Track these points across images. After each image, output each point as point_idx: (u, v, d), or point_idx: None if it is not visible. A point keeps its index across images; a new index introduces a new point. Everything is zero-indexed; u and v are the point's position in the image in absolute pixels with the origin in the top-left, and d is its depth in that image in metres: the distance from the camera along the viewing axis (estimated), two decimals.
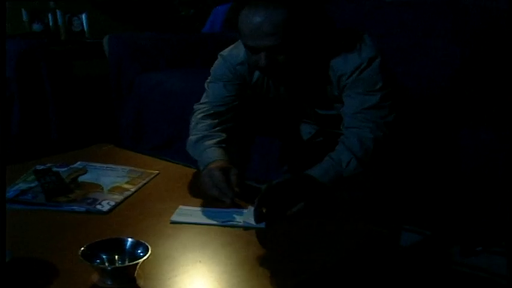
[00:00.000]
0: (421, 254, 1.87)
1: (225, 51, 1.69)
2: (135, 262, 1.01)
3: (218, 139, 1.53)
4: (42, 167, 1.61)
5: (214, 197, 1.38)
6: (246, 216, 1.29)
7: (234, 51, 1.64)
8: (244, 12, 1.40)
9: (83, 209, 1.33)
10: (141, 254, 1.03)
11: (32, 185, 1.46)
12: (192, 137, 1.55)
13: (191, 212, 1.33)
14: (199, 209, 1.35)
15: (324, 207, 1.36)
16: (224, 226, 1.27)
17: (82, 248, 1.02)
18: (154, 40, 3.25)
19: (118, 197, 1.40)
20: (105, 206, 1.35)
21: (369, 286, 1.25)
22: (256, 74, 1.65)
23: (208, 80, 1.69)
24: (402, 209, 1.97)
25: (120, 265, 1.03)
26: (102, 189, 1.46)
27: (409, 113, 1.85)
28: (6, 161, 1.82)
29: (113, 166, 1.62)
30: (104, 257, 1.04)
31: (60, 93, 2.71)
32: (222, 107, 1.63)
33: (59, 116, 2.66)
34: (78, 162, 1.65)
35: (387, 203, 1.86)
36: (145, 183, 1.52)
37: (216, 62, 1.70)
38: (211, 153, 1.48)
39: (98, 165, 1.63)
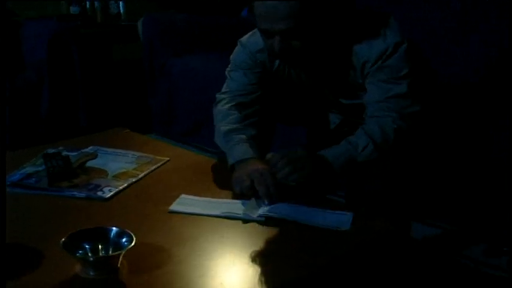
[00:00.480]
0: (439, 249, 1.77)
1: (244, 38, 1.64)
2: (117, 253, 0.98)
3: (250, 134, 1.48)
4: (53, 150, 1.59)
5: (248, 192, 1.31)
6: (247, 208, 1.24)
7: (253, 38, 1.59)
8: None
9: (83, 195, 1.31)
10: (126, 244, 1.00)
11: (40, 168, 1.45)
12: (221, 128, 1.50)
13: (192, 201, 1.28)
14: (200, 198, 1.30)
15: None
16: (223, 218, 1.22)
17: (63, 239, 0.99)
18: (189, 22, 3.21)
19: (122, 184, 1.38)
20: (106, 193, 1.32)
21: (373, 283, 1.18)
22: (277, 61, 1.60)
23: (228, 69, 1.64)
24: (426, 202, 1.88)
25: (102, 255, 1.00)
26: (107, 175, 1.43)
27: (438, 101, 1.76)
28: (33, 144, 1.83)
29: (124, 151, 1.60)
30: (87, 246, 1.01)
31: (91, 77, 2.70)
32: (245, 97, 1.58)
33: (89, 102, 2.66)
34: (90, 147, 1.63)
35: (408, 195, 1.77)
36: (153, 170, 1.49)
37: (236, 49, 1.65)
38: (246, 149, 1.43)
39: (109, 150, 1.61)
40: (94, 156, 1.56)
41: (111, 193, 1.33)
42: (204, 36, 3.20)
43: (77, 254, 0.99)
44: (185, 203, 1.28)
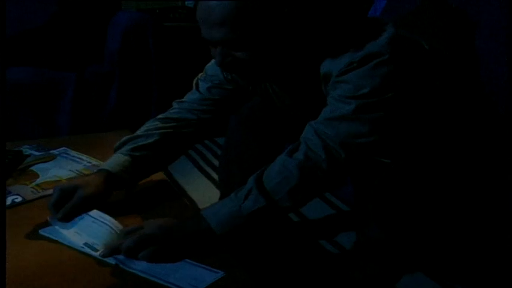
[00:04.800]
0: None
1: None
2: None
3: (141, 143, 1.30)
4: (27, 147, 1.57)
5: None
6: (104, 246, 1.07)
7: None
8: None
9: None
10: None
11: None
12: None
13: (69, 225, 1.14)
14: (80, 220, 1.15)
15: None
16: (81, 251, 1.07)
17: None
18: None
19: (32, 195, 1.30)
20: (7, 202, 1.24)
21: None
22: None
23: (199, 76, 1.45)
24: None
25: None
26: (35, 181, 1.36)
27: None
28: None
29: (84, 158, 1.51)
30: None
31: (169, 71, 2.66)
32: (195, 113, 1.39)
33: (163, 96, 2.61)
34: (62, 148, 1.58)
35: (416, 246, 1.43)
36: None
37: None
38: (111, 160, 1.28)
39: (73, 154, 1.54)
40: (51, 158, 1.51)
41: (11, 203, 1.25)
42: None
43: None
44: (61, 225, 1.14)
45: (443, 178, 1.42)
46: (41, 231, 1.14)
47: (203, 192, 2.16)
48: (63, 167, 1.44)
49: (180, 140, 1.37)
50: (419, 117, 1.26)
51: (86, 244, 1.08)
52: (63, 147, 1.58)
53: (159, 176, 1.42)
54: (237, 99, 1.42)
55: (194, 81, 1.44)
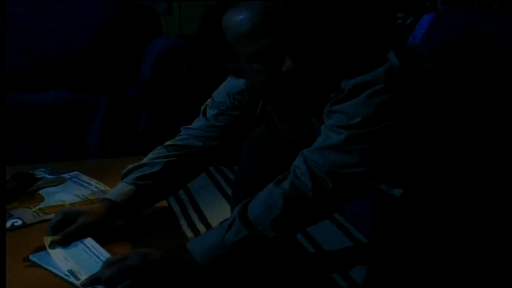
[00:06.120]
0: None
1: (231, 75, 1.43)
2: None
3: (146, 172, 1.31)
4: (41, 170, 1.61)
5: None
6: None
7: (234, 79, 1.36)
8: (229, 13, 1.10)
9: None
10: None
11: None
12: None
13: (61, 249, 1.16)
14: (73, 247, 1.16)
15: None
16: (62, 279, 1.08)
17: None
18: None
19: (33, 219, 1.32)
20: (7, 225, 1.27)
21: None
22: (260, 105, 1.38)
23: (207, 103, 1.46)
24: None
25: None
26: (38, 205, 1.38)
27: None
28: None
29: (93, 183, 1.53)
30: None
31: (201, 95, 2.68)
32: (201, 140, 1.38)
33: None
34: (75, 172, 1.60)
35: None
36: None
37: (222, 84, 1.45)
38: (116, 188, 1.29)
39: (83, 178, 1.56)
40: (61, 182, 1.53)
41: (11, 226, 1.28)
42: None
43: None
44: (52, 252, 1.15)
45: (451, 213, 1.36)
46: (31, 257, 1.15)
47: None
48: (70, 192, 1.46)
49: (186, 168, 1.37)
50: (429, 149, 1.22)
51: (70, 271, 1.08)
52: (76, 172, 1.60)
53: (162, 203, 1.43)
54: (243, 127, 1.42)
55: (202, 108, 1.45)
